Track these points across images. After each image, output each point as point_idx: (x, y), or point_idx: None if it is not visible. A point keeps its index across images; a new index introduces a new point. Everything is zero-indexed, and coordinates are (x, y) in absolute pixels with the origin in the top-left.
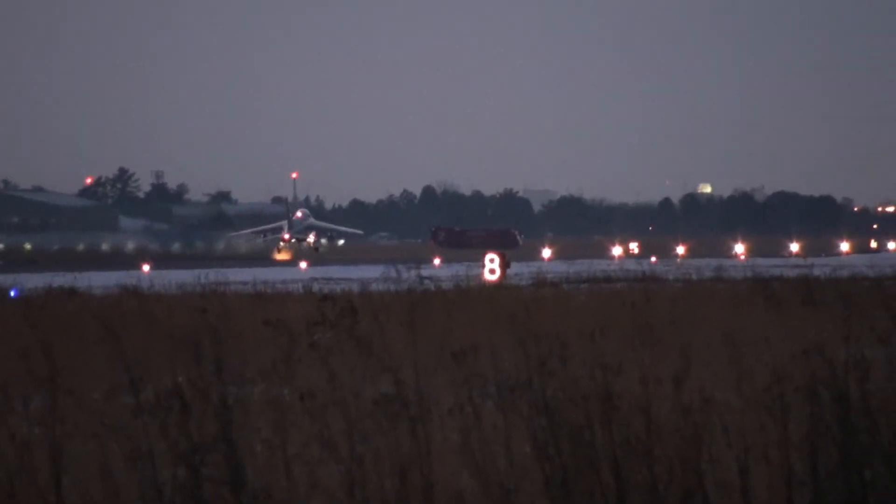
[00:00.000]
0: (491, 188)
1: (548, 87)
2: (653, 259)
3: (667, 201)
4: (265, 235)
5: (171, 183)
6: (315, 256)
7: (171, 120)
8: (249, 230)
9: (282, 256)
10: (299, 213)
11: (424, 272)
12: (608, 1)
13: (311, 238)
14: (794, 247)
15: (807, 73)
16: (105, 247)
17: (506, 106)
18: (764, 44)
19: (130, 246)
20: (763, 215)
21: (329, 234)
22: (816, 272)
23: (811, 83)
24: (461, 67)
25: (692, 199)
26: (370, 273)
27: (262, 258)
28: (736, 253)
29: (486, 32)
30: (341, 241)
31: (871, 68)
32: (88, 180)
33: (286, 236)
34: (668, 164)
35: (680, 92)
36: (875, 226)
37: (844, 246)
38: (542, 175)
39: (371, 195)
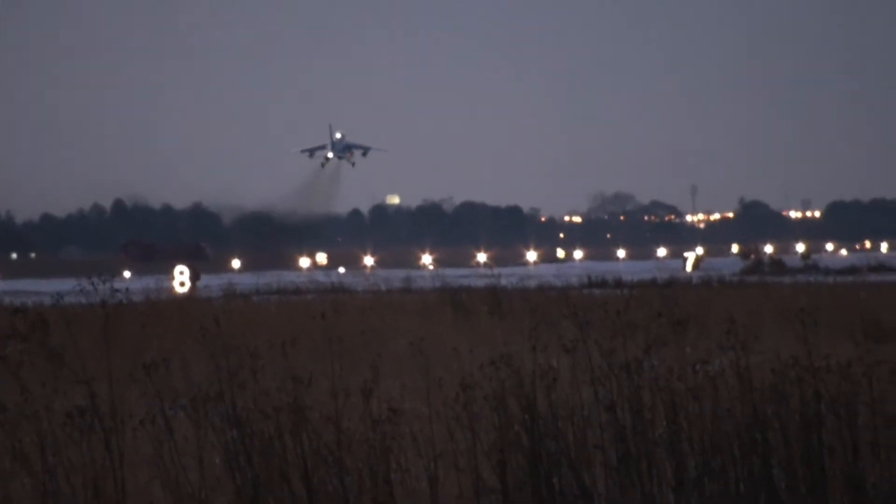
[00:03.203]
0: (181, 202)
1: (233, 103)
2: (342, 270)
3: (356, 212)
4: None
5: None
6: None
7: None
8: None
9: None
10: (338, 135)
11: (116, 285)
12: None
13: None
14: (482, 257)
15: (496, 90)
16: None
17: (190, 119)
18: (460, 56)
19: None
20: (451, 226)
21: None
22: (504, 282)
23: (500, 100)
24: (146, 84)
25: (381, 210)
26: (62, 287)
27: None
28: (425, 264)
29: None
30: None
31: (547, 86)
32: None
33: (329, 155)
34: (358, 176)
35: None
36: (562, 235)
37: (532, 256)
38: (230, 189)
39: (61, 209)
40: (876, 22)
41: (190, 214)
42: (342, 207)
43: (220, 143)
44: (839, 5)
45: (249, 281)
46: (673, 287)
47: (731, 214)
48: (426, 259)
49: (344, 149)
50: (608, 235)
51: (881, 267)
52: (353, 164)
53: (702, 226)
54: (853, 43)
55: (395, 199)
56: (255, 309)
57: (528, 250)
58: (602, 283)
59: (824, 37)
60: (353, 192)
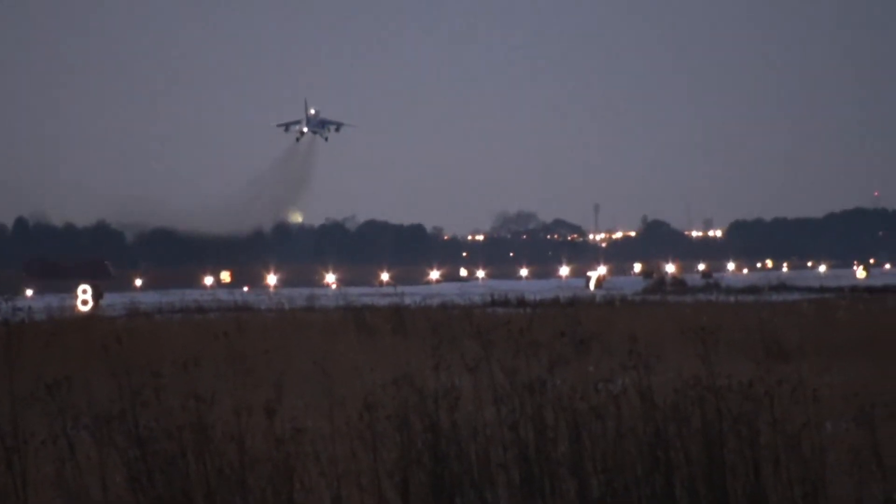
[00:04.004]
0: (84, 220)
1: (142, 125)
2: (245, 289)
3: (258, 231)
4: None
5: None
6: None
7: None
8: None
9: None
10: (312, 111)
11: (18, 304)
12: None
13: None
14: (386, 275)
15: (399, 108)
16: None
17: (91, 137)
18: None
19: None
20: (355, 244)
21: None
22: (407, 301)
23: (402, 118)
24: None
25: (284, 229)
26: None
27: None
28: (328, 282)
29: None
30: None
31: (450, 105)
32: None
33: (304, 130)
34: (263, 194)
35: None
36: (465, 254)
37: (435, 274)
38: (132, 208)
39: None
40: (773, 43)
41: (93, 232)
42: (246, 225)
43: (127, 158)
44: (727, 28)
45: (153, 299)
46: (576, 306)
47: (633, 233)
48: (330, 278)
49: (318, 124)
50: (511, 254)
51: (782, 286)
52: (326, 139)
53: (604, 244)
54: (754, 64)
55: (297, 218)
56: (159, 327)
57: (432, 269)
58: (505, 302)
59: (720, 57)
60: (258, 210)
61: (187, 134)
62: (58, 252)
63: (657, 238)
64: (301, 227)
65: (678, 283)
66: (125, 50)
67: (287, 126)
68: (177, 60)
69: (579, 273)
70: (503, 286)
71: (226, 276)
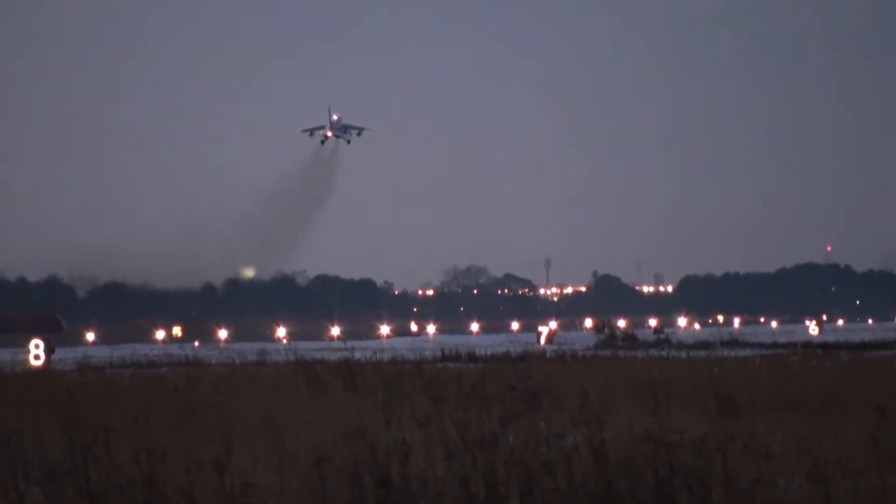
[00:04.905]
0: (35, 274)
1: (86, 175)
2: (196, 343)
3: (209, 286)
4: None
5: None
6: None
7: None
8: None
9: None
10: (335, 116)
11: None
12: None
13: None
14: (336, 330)
15: (349, 161)
16: None
17: (43, 189)
18: None
19: None
20: (305, 299)
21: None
22: (358, 355)
23: (352, 172)
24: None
25: (235, 283)
26: None
27: None
28: (279, 336)
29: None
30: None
31: (400, 159)
32: None
33: (328, 134)
34: (214, 249)
35: (225, 183)
36: (415, 308)
37: (385, 329)
38: (84, 260)
39: None
40: (722, 100)
41: (44, 286)
42: (197, 282)
43: (79, 210)
44: (675, 81)
45: (104, 353)
46: (527, 360)
47: (584, 288)
48: (280, 332)
49: (341, 129)
50: (461, 308)
51: (734, 342)
52: (349, 142)
53: (555, 299)
54: (703, 120)
55: (249, 273)
56: (110, 382)
57: (382, 323)
58: (456, 357)
59: (669, 112)
60: (210, 264)
61: (140, 187)
62: (9, 306)
63: (608, 293)
64: (252, 282)
65: (629, 338)
66: (52, 109)
67: (311, 131)
68: (118, 128)
69: (530, 328)
70: (453, 341)
71: (177, 331)
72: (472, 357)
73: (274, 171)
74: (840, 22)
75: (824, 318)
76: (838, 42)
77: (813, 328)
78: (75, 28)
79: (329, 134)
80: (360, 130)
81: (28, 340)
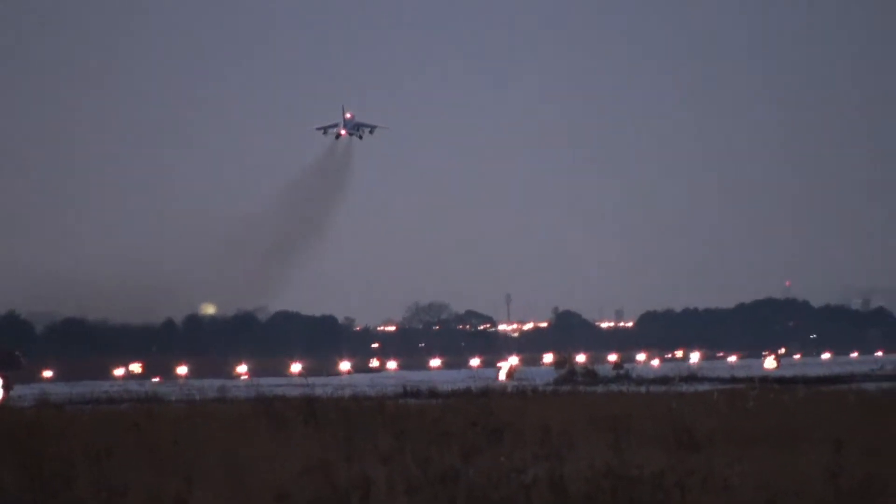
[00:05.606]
0: None
1: (50, 208)
2: (157, 380)
3: (170, 322)
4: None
5: None
6: None
7: None
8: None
9: None
10: (348, 115)
11: None
12: None
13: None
14: (297, 366)
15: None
16: None
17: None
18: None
19: None
20: (266, 335)
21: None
22: (318, 391)
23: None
24: None
25: (195, 320)
26: None
27: None
28: (239, 373)
29: None
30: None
31: (362, 194)
32: None
33: (342, 132)
34: (171, 287)
35: (183, 213)
36: (376, 345)
37: (346, 365)
38: (44, 296)
39: None
40: (681, 134)
41: (2, 322)
42: (157, 318)
43: (35, 246)
44: (639, 114)
45: (63, 390)
46: (488, 396)
47: (544, 324)
48: (241, 368)
49: (354, 126)
50: (422, 345)
51: (693, 377)
52: (361, 138)
53: (516, 335)
54: (661, 154)
55: (210, 309)
56: (69, 418)
57: (343, 360)
58: (417, 393)
59: (629, 146)
60: (171, 300)
61: (103, 221)
62: None
63: (568, 329)
64: (213, 318)
65: (589, 373)
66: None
67: (325, 129)
68: (87, 165)
69: (491, 363)
70: (414, 377)
71: (136, 367)
72: (433, 393)
73: (239, 209)
74: (777, 61)
75: (782, 352)
76: (782, 79)
77: (771, 362)
78: (35, 53)
79: (343, 132)
80: (372, 128)
81: None
